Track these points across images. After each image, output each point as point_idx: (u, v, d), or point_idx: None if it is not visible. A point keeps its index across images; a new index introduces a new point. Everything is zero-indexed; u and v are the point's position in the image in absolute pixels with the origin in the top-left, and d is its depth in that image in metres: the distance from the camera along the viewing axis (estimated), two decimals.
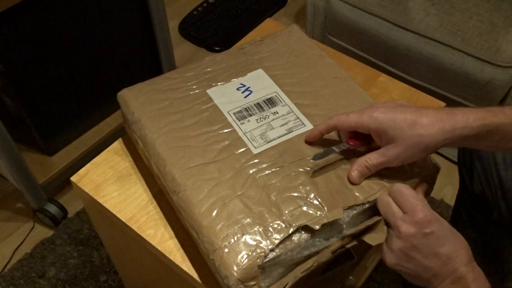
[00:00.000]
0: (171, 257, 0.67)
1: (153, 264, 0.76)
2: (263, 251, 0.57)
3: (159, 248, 0.68)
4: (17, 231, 1.37)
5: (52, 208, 1.34)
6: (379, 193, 0.62)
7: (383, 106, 0.61)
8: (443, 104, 0.85)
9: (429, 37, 1.32)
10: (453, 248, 0.56)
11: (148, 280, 0.90)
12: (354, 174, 0.62)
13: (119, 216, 0.71)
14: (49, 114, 1.29)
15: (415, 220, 0.56)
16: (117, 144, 0.80)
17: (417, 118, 0.58)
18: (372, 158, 0.61)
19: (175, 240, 0.68)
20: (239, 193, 0.63)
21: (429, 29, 1.32)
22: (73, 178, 0.77)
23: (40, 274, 1.27)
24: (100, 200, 0.73)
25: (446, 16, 1.33)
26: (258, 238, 0.58)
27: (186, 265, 0.66)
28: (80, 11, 1.22)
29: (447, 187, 1.42)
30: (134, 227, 0.70)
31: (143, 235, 0.69)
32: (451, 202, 1.35)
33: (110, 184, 0.75)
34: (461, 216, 0.96)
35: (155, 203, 0.72)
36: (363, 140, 0.64)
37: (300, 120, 0.71)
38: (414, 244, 0.56)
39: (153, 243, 0.68)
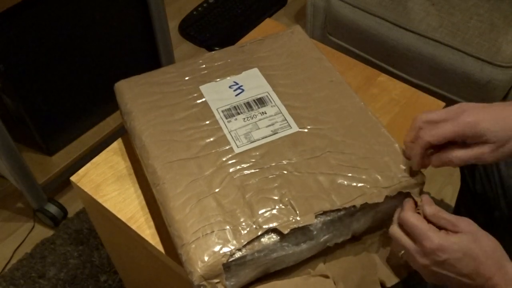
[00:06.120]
0: (171, 257, 0.67)
1: (153, 264, 0.76)
2: (229, 250, 0.57)
3: (159, 248, 0.68)
4: (17, 231, 1.37)
5: (52, 208, 1.34)
6: (358, 200, 0.61)
7: (473, 108, 0.57)
8: (442, 104, 0.85)
9: (429, 37, 1.32)
10: (474, 265, 0.54)
11: (148, 280, 0.90)
12: (435, 162, 0.58)
13: (119, 216, 0.71)
14: (49, 114, 1.29)
15: (425, 251, 0.55)
16: (117, 144, 0.80)
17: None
18: (464, 153, 0.56)
19: None
20: (215, 190, 0.63)
21: (429, 29, 1.32)
22: (73, 178, 0.77)
23: (40, 274, 1.27)
24: (100, 200, 0.73)
25: (446, 16, 1.33)
26: (227, 237, 0.58)
27: None
28: (80, 11, 1.22)
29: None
30: (133, 227, 0.70)
31: (143, 235, 0.69)
32: (451, 202, 1.35)
33: (110, 184, 0.75)
34: (462, 215, 0.96)
35: (154, 202, 0.72)
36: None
37: (287, 122, 0.70)
38: (435, 272, 0.56)
39: (153, 243, 0.68)
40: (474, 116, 0.55)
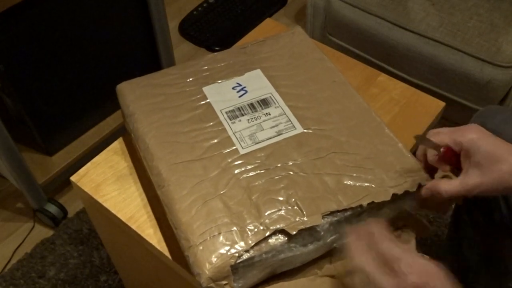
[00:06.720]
0: (171, 257, 0.67)
1: (153, 263, 0.76)
2: (237, 252, 0.57)
3: (159, 248, 0.68)
4: (17, 231, 1.37)
5: (52, 208, 1.34)
6: (365, 199, 0.61)
7: (481, 131, 0.59)
8: (443, 104, 0.85)
9: (429, 37, 1.32)
10: None
11: (148, 280, 0.90)
12: (424, 192, 0.60)
13: (118, 215, 0.71)
14: (49, 114, 1.29)
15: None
16: (117, 144, 0.80)
17: (510, 158, 0.56)
18: (451, 186, 0.59)
19: (175, 240, 0.68)
20: (221, 192, 0.63)
21: (429, 29, 1.32)
22: (73, 178, 0.77)
23: (40, 274, 1.27)
24: (100, 200, 0.73)
25: (446, 16, 1.33)
26: (234, 238, 0.58)
27: (185, 265, 0.66)
28: (80, 11, 1.22)
29: None
30: (133, 227, 0.70)
31: (142, 234, 0.69)
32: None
33: (110, 183, 0.75)
34: (462, 216, 0.96)
35: (154, 202, 0.72)
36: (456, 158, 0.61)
37: (291, 123, 0.70)
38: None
39: (153, 242, 0.68)
40: (476, 134, 0.59)
